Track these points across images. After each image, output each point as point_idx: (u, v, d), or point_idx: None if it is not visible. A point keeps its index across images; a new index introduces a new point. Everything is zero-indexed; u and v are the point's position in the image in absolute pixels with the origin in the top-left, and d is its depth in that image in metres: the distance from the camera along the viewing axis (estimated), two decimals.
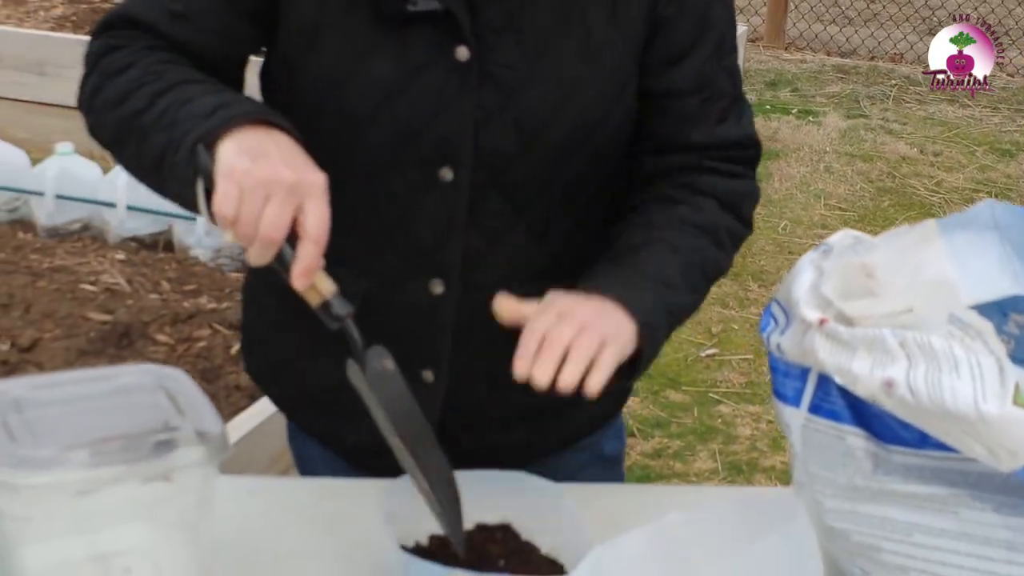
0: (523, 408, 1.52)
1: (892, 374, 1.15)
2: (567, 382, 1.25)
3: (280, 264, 1.23)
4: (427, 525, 1.33)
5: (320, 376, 1.54)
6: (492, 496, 1.37)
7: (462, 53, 1.36)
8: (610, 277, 1.40)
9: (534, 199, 1.44)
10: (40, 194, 3.82)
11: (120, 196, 3.73)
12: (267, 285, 1.57)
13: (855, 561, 1.27)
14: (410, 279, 1.45)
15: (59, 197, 3.82)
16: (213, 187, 1.22)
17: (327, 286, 1.26)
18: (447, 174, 1.40)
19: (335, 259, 1.43)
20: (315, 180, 1.23)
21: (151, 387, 1.31)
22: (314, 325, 1.50)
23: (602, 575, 1.19)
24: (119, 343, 2.84)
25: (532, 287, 1.45)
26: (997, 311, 1.25)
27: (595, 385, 1.26)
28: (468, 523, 1.35)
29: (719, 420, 3.70)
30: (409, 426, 1.29)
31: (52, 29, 6.14)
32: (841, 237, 1.32)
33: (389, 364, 1.29)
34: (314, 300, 1.27)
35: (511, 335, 1.45)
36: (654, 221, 1.46)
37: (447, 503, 1.28)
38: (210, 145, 1.23)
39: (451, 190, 1.41)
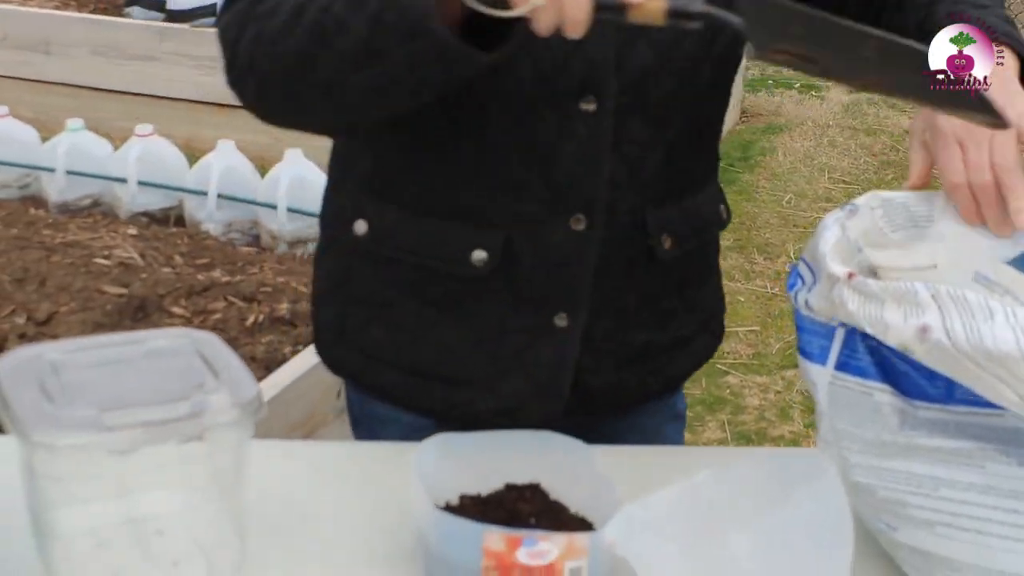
0: (645, 346, 1.56)
1: (928, 320, 1.16)
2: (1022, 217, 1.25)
3: (603, 4, 1.14)
4: (458, 485, 1.35)
5: (445, 345, 1.53)
6: (522, 456, 1.39)
7: None
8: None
9: (671, 118, 1.45)
10: (51, 170, 3.84)
11: (131, 172, 3.75)
12: (369, 263, 1.55)
13: (880, 516, 1.29)
14: (553, 219, 1.45)
15: (70, 173, 3.84)
16: None
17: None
18: (590, 104, 1.40)
19: (476, 213, 1.44)
20: None
21: (186, 350, 1.33)
22: (429, 292, 1.51)
23: (631, 533, 1.20)
24: (135, 316, 2.85)
25: (662, 213, 1.50)
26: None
27: None
28: (498, 483, 1.37)
29: (727, 391, 3.72)
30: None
31: (57, 8, 6.14)
32: (868, 198, 1.34)
33: None
34: (660, 8, 1.15)
35: (644, 266, 1.50)
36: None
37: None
38: None
39: (595, 120, 1.41)
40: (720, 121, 1.60)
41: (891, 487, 1.25)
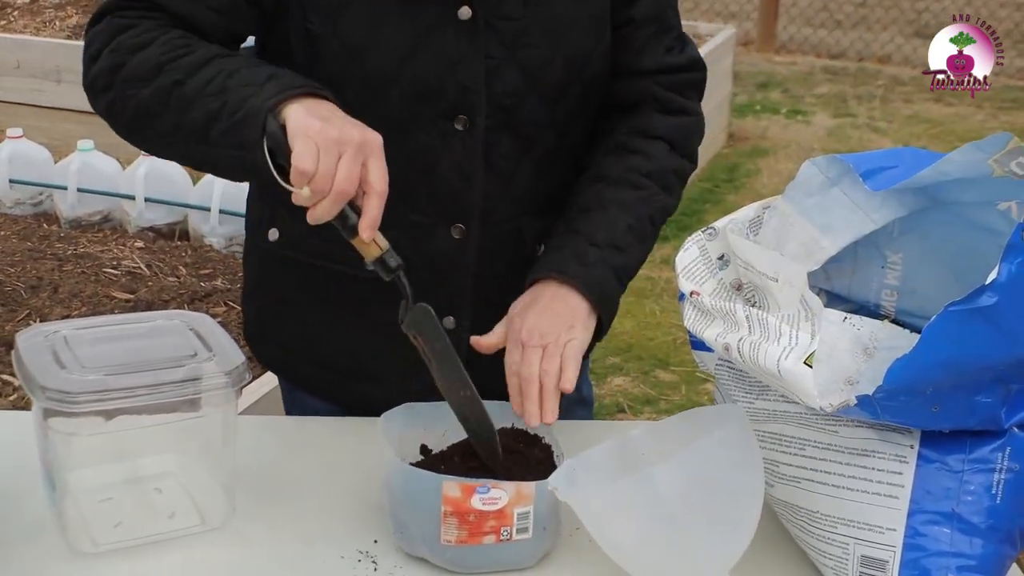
0: None
1: (729, 340, 1.34)
2: (550, 416, 1.46)
3: (341, 221, 1.34)
4: (420, 443, 1.49)
5: (348, 342, 1.65)
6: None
7: (464, 12, 1.49)
8: (564, 251, 1.56)
9: (538, 137, 1.57)
10: (63, 188, 3.97)
11: (138, 189, 3.86)
12: (281, 266, 1.66)
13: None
14: (435, 227, 1.57)
15: (81, 190, 3.95)
16: (279, 149, 1.33)
17: (383, 241, 1.37)
18: (463, 123, 1.52)
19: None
20: (375, 139, 1.34)
21: (181, 327, 1.47)
22: (332, 294, 1.61)
23: (573, 482, 1.33)
24: None
25: (535, 223, 1.62)
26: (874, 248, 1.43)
27: (569, 382, 1.46)
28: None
29: (705, 397, 3.84)
30: (454, 371, 1.44)
31: (68, 38, 6.23)
32: (726, 222, 1.47)
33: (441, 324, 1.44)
34: (373, 253, 1.37)
35: (521, 271, 1.60)
36: (607, 174, 1.61)
37: (483, 434, 1.45)
38: (270, 111, 1.33)
39: (468, 137, 1.54)
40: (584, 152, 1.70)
41: (767, 448, 1.39)
